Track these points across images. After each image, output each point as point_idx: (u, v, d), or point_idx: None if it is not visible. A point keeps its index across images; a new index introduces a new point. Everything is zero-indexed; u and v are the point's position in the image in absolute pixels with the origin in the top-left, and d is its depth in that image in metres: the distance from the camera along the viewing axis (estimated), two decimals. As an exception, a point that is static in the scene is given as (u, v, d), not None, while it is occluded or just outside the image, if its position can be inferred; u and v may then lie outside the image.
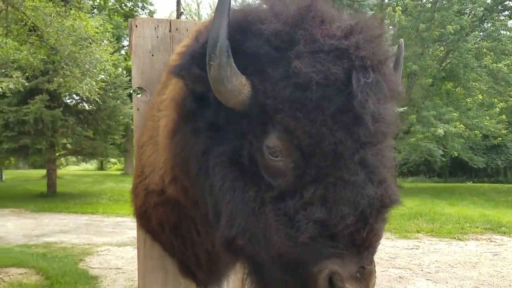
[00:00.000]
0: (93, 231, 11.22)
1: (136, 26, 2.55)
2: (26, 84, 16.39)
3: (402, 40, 1.74)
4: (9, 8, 12.03)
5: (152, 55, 2.54)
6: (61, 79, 15.93)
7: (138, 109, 2.40)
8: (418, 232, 10.70)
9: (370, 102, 1.23)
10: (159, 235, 2.13)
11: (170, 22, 2.62)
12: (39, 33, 13.66)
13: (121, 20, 34.70)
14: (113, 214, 14.31)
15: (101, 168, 48.21)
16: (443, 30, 20.52)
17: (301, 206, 1.24)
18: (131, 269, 7.32)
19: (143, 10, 38.86)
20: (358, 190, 1.23)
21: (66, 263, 7.53)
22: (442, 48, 23.47)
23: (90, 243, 9.52)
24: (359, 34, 1.31)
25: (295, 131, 1.27)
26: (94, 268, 7.41)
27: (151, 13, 39.05)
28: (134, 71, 2.52)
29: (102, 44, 16.09)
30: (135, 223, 2.37)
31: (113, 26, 29.80)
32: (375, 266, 1.28)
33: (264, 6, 1.48)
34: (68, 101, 20.89)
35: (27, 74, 15.94)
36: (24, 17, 12.83)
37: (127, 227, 11.40)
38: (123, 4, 36.75)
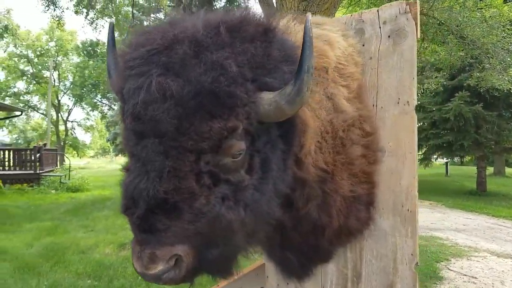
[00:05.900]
0: (488, 235, 10.25)
1: None
2: (444, 83, 16.97)
3: (309, 37, 1.40)
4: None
5: None
6: (478, 74, 15.28)
7: None
8: None
9: (131, 104, 1.39)
10: None
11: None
12: (454, 31, 13.78)
13: None
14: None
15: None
16: None
17: None
18: (486, 281, 6.38)
19: None
20: (130, 179, 1.40)
21: (427, 258, 7.58)
22: None
23: (472, 246, 8.87)
24: (141, 47, 1.47)
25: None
26: (451, 270, 7.02)
27: None
28: None
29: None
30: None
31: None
32: (172, 256, 1.34)
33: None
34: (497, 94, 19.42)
35: (445, 73, 16.46)
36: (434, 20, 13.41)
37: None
38: None
